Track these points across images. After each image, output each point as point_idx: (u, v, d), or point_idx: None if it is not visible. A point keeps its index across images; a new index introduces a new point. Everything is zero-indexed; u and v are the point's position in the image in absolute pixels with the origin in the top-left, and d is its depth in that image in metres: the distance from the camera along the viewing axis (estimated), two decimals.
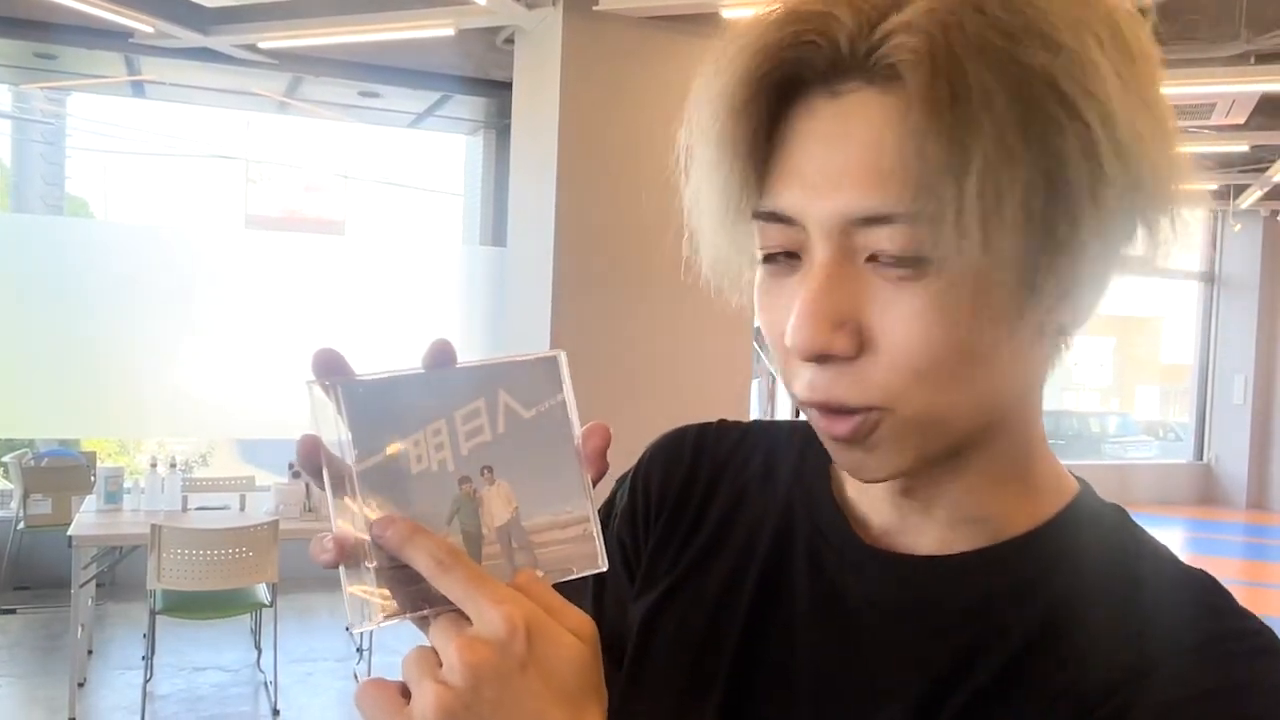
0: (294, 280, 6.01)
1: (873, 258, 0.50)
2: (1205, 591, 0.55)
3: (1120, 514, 0.61)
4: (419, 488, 0.50)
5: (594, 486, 0.54)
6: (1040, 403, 0.59)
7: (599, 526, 0.54)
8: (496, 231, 6.82)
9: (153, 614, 4.14)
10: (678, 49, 4.23)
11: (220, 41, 5.04)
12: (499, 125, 6.89)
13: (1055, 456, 0.61)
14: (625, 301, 4.26)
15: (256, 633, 4.94)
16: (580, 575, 0.53)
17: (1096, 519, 0.60)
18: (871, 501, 0.63)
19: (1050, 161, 0.47)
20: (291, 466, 4.72)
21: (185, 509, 4.65)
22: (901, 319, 0.50)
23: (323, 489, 0.50)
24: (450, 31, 4.62)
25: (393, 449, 0.50)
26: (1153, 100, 0.50)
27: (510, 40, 4.91)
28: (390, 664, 4.86)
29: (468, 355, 0.53)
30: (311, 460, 0.50)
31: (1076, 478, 0.62)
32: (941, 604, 0.58)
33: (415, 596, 0.49)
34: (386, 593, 0.49)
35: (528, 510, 0.52)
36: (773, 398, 10.14)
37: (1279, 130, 6.00)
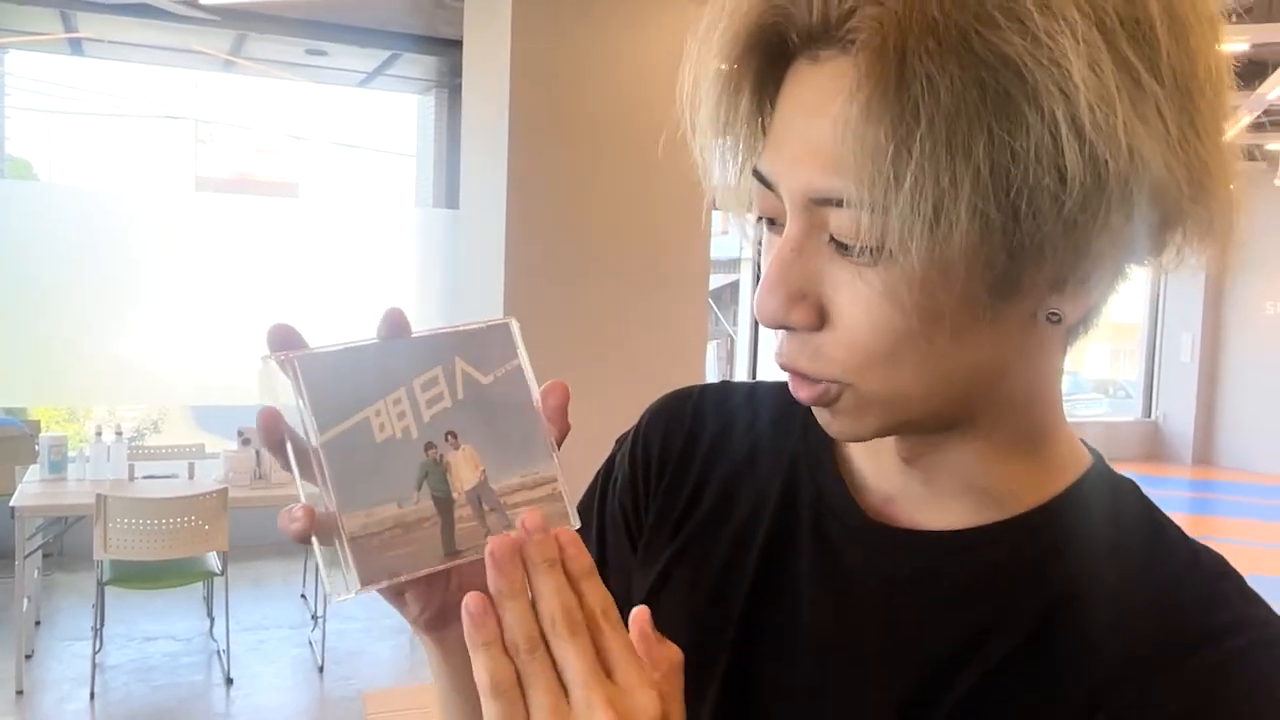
0: (245, 244, 5.89)
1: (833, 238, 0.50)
2: (1215, 576, 0.54)
3: (1132, 488, 0.60)
4: (384, 456, 0.50)
5: (559, 445, 0.55)
6: (1056, 379, 0.58)
7: (567, 485, 0.54)
8: (450, 193, 6.73)
9: (100, 584, 4.08)
10: (630, 7, 4.16)
11: None
12: (451, 84, 6.77)
13: (1070, 429, 0.60)
14: (579, 263, 4.22)
15: (209, 601, 4.89)
16: None
17: (1107, 494, 0.59)
18: (877, 469, 0.62)
19: (1007, 159, 0.44)
20: (241, 434, 4.65)
21: (132, 478, 4.57)
22: (855, 301, 0.49)
23: (285, 464, 0.50)
24: None
25: (354, 419, 0.50)
26: (1175, 95, 0.45)
27: None
28: (344, 630, 4.84)
29: (422, 318, 0.52)
30: (273, 434, 0.50)
31: (1090, 449, 0.61)
32: (945, 579, 0.58)
33: (390, 564, 0.50)
34: (362, 561, 0.49)
35: (496, 473, 0.53)
36: (730, 359, 10.17)
37: (1240, 90, 6.05)
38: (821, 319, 0.51)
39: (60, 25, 5.87)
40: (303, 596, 5.33)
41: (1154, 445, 9.85)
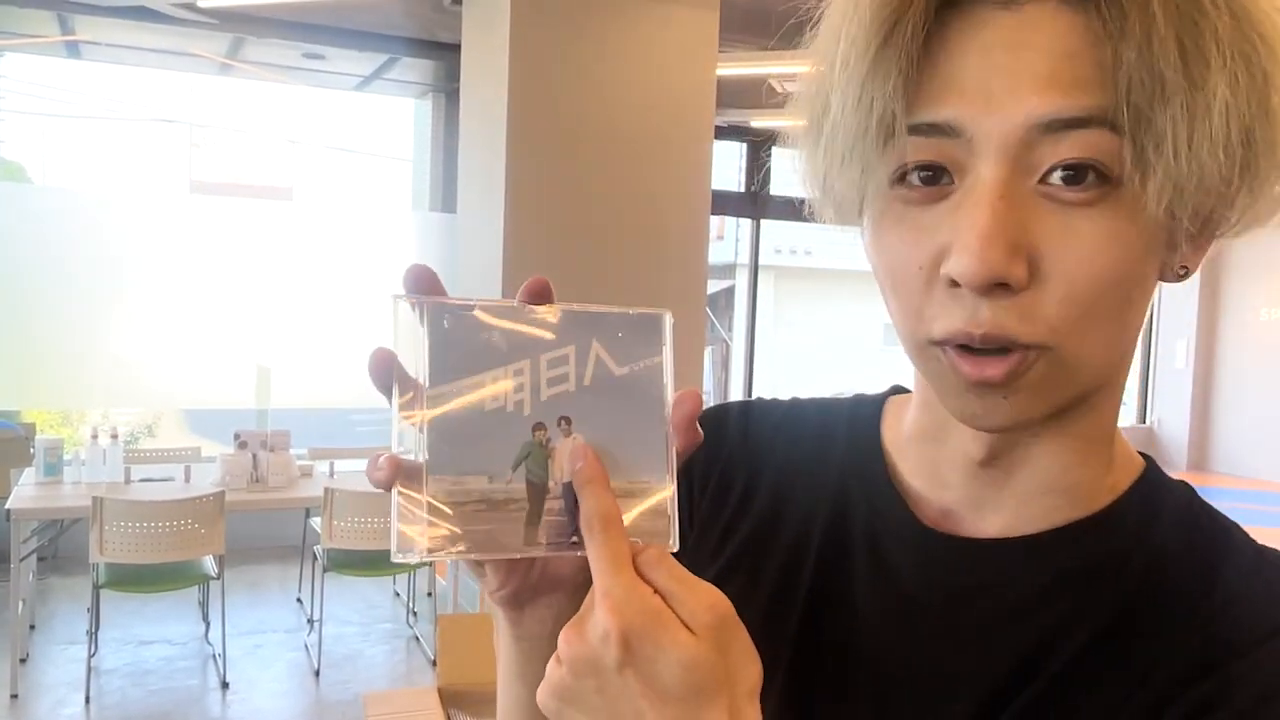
0: (240, 247, 5.88)
1: (1045, 180, 0.47)
2: None
3: (1188, 489, 0.59)
4: (490, 425, 0.48)
5: (680, 458, 0.51)
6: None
7: (676, 504, 0.50)
8: (446, 197, 6.73)
9: (96, 588, 4.07)
10: (628, 13, 4.17)
11: (157, 0, 4.88)
12: (448, 89, 6.77)
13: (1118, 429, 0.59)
14: (576, 268, 4.23)
15: (204, 605, 4.87)
16: None
17: (1169, 493, 0.58)
18: (934, 481, 0.60)
19: (1265, 89, 0.45)
20: (238, 436, 4.64)
21: (128, 481, 4.56)
22: (1077, 247, 0.47)
23: (389, 404, 0.48)
24: None
25: (468, 380, 0.47)
26: None
27: (458, 0, 4.81)
28: (340, 634, 4.83)
29: None
30: (382, 373, 0.48)
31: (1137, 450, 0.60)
32: (1013, 588, 0.56)
33: (464, 535, 0.47)
34: (436, 526, 0.47)
35: None
36: (726, 365, 10.16)
37: None
38: (1032, 274, 0.47)
39: (57, 28, 5.86)
40: (299, 600, 5.31)
41: (1149, 450, 9.74)
